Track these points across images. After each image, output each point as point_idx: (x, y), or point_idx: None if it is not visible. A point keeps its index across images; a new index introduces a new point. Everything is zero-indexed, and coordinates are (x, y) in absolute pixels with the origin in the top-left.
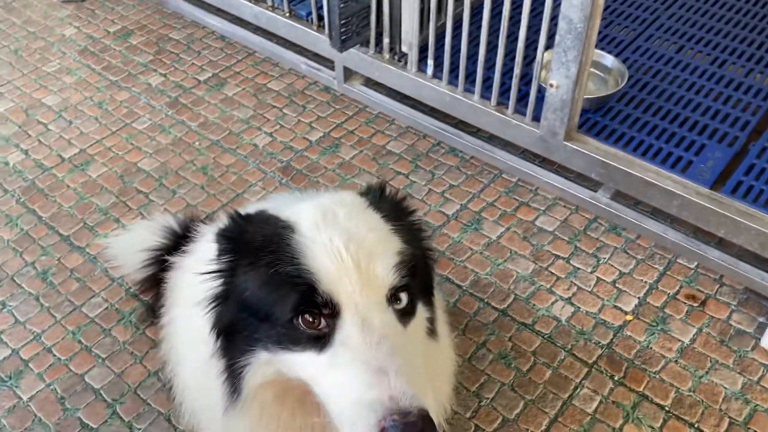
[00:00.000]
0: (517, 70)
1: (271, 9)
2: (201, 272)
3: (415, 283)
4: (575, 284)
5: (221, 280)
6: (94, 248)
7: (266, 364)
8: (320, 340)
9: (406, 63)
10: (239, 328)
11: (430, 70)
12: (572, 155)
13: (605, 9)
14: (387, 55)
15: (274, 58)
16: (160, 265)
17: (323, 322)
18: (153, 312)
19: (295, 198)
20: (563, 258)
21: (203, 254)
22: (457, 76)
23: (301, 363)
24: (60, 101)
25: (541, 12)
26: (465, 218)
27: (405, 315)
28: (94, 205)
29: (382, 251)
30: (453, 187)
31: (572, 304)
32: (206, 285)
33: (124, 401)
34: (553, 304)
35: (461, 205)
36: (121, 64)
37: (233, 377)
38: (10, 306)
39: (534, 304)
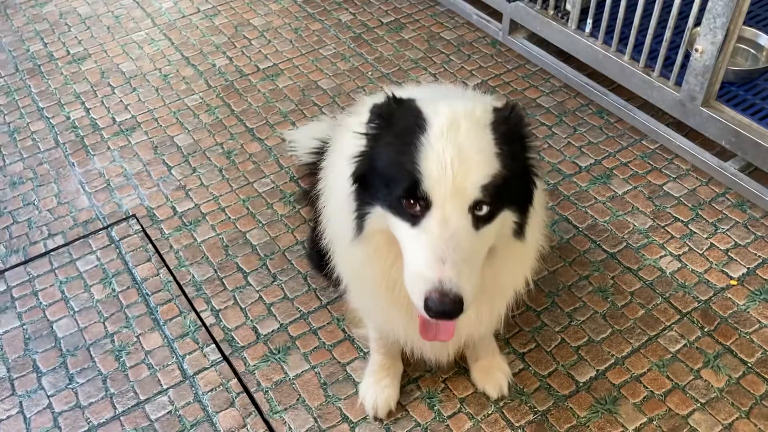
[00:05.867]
0: (667, 34)
1: None
2: (356, 131)
3: (503, 199)
4: (688, 245)
5: (366, 143)
6: (271, 140)
7: (381, 216)
8: (414, 218)
9: (567, 20)
10: (369, 184)
11: (588, 28)
12: (707, 121)
13: None
14: (551, 11)
15: (453, 9)
16: (321, 155)
17: (418, 207)
18: (307, 196)
19: (445, 91)
20: (682, 221)
21: (361, 118)
22: (612, 37)
23: (399, 227)
24: (264, 23)
25: None
26: (596, 172)
27: (481, 221)
28: (277, 109)
29: (477, 172)
30: (591, 144)
31: (680, 261)
32: (357, 141)
33: (273, 258)
34: (661, 257)
35: (595, 160)
36: (319, 0)
37: (359, 218)
38: (199, 172)
39: (643, 254)
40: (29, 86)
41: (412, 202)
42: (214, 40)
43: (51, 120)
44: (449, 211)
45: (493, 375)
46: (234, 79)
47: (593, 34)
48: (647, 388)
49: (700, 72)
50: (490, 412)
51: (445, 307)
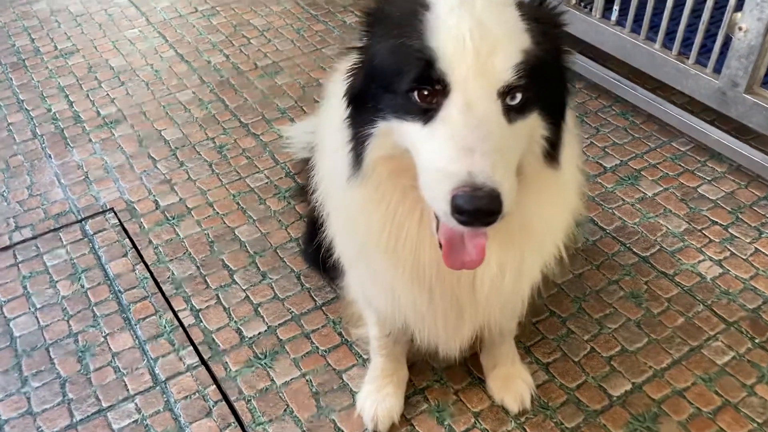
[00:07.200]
0: (705, 16)
1: None
2: (348, 46)
3: (537, 88)
4: (729, 249)
5: (359, 53)
6: (267, 136)
7: (384, 136)
8: (427, 113)
9: (591, 9)
10: (366, 99)
11: (614, 16)
12: (751, 110)
13: None
14: (573, 1)
15: None
16: None
17: (434, 98)
18: (303, 192)
19: None
20: (721, 225)
21: None
22: (640, 25)
23: (409, 132)
24: (265, 23)
25: None
26: (622, 173)
27: (514, 112)
28: (275, 105)
29: (506, 46)
30: (616, 145)
31: (721, 266)
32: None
33: (264, 255)
34: (700, 262)
35: (621, 161)
36: (323, 3)
37: (357, 147)
38: (187, 166)
39: (679, 258)
40: (11, 79)
41: (426, 92)
42: (211, 39)
43: (30, 112)
44: (473, 94)
45: (513, 385)
46: (230, 76)
47: (620, 22)
48: (692, 404)
49: (743, 54)
50: (509, 429)
51: (480, 203)
